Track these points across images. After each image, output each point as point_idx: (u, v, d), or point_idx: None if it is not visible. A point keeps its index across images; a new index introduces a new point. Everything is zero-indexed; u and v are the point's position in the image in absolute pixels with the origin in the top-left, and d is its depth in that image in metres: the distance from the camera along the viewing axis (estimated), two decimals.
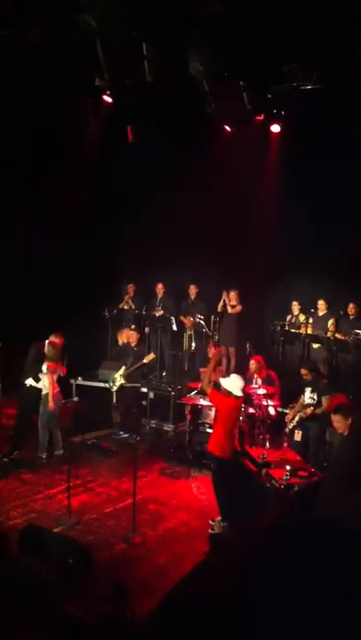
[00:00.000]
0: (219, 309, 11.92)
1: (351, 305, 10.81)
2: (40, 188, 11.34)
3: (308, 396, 8.50)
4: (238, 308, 11.80)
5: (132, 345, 10.71)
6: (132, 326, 11.30)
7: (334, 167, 10.26)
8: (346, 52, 7.76)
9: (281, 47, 7.66)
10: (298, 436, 8.46)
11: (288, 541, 2.20)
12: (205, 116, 9.10)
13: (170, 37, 7.09)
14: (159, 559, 6.60)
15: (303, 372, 8.74)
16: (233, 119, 9.61)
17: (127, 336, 10.97)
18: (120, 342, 11.45)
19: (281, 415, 9.63)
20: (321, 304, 11.20)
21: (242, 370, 10.79)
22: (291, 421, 8.60)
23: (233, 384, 7.25)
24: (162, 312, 12.42)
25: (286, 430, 8.72)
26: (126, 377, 10.40)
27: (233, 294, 11.80)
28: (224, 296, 11.81)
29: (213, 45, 6.56)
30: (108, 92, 9.84)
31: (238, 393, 7.23)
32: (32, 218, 11.22)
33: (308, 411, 8.39)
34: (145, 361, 10.39)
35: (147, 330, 12.57)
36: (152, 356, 10.69)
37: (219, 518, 7.21)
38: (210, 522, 7.29)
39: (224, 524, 7.09)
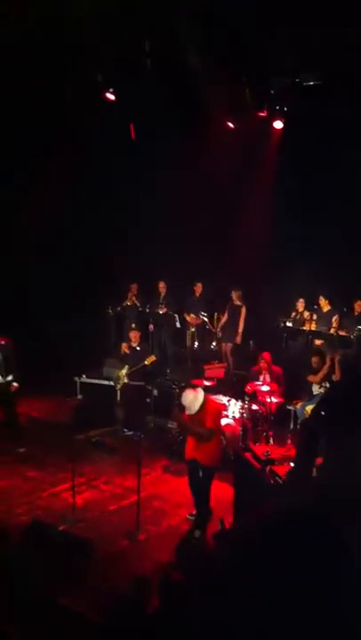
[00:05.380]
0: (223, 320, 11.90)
1: (359, 302, 10.82)
2: (41, 186, 11.34)
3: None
4: (243, 309, 11.82)
5: (134, 345, 10.69)
6: (133, 325, 11.20)
7: (338, 166, 10.23)
8: (347, 46, 7.74)
9: (283, 41, 7.63)
10: None
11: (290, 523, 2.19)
12: (206, 111, 9.06)
13: (170, 32, 7.07)
14: (161, 556, 6.58)
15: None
16: (234, 114, 9.57)
17: (129, 340, 10.88)
18: (122, 352, 11.24)
19: (283, 411, 9.64)
20: (321, 300, 11.19)
21: (243, 366, 10.77)
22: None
23: (192, 400, 6.92)
24: (165, 309, 12.39)
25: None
26: (129, 375, 10.41)
27: (236, 294, 11.81)
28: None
29: (213, 39, 6.53)
30: (110, 90, 9.83)
31: (199, 403, 6.94)
32: (34, 217, 11.21)
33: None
34: (146, 362, 10.40)
35: (150, 327, 12.54)
36: (153, 358, 10.65)
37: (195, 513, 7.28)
38: (188, 517, 7.38)
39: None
